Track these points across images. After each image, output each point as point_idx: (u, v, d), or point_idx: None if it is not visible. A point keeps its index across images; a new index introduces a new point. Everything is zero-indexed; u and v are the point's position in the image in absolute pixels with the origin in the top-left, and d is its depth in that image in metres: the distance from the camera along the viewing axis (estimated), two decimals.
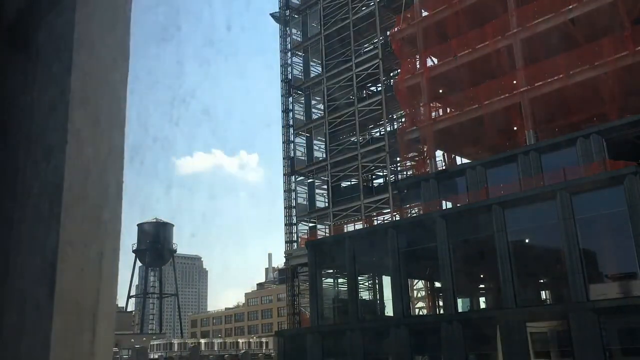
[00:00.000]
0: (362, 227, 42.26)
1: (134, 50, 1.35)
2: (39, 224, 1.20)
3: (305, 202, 52.40)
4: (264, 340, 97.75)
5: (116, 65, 1.28)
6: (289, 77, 55.49)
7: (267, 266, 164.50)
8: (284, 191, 53.51)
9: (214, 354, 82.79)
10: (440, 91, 39.75)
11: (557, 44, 31.60)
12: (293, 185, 53.12)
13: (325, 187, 50.92)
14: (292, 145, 53.75)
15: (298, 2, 56.56)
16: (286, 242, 51.98)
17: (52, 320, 1.10)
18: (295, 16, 56.53)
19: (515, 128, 35.13)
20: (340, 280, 42.48)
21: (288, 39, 57.07)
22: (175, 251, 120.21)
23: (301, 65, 55.28)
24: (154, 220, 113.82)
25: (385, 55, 46.36)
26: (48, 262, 1.14)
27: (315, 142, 52.82)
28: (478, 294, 40.57)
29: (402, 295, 33.14)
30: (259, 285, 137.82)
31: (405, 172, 48.96)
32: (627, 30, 29.88)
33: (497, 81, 34.92)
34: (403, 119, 46.37)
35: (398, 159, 47.19)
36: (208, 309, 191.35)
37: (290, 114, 54.64)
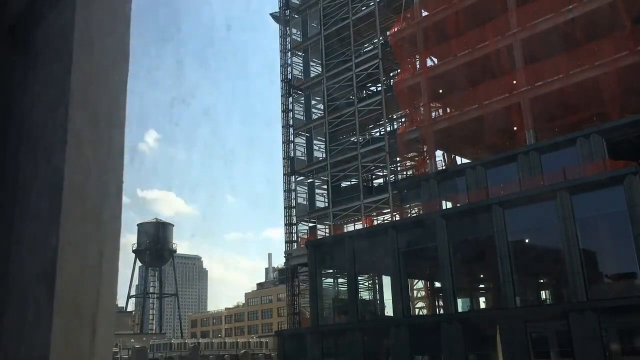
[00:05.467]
0: (362, 227, 42.29)
1: (134, 50, 1.35)
2: (39, 224, 1.20)
3: (305, 202, 52.37)
4: (264, 340, 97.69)
5: (116, 66, 1.28)
6: (289, 77, 55.46)
7: (267, 266, 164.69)
8: (284, 191, 53.50)
9: (214, 354, 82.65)
10: (440, 91, 39.73)
11: (557, 43, 31.61)
12: (293, 185, 53.11)
13: (325, 187, 50.89)
14: (292, 145, 53.73)
15: (298, 2, 56.50)
16: (286, 242, 51.94)
17: (52, 320, 1.10)
18: (295, 16, 56.49)
19: (515, 128, 35.13)
20: (340, 280, 42.49)
21: (288, 39, 57.03)
22: (175, 251, 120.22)
23: (301, 65, 55.24)
24: (154, 220, 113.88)
25: (385, 55, 46.33)
26: (48, 262, 1.14)
27: (315, 142, 52.78)
28: (478, 294, 40.59)
29: (402, 295, 33.16)
30: (259, 285, 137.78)
31: (405, 172, 48.97)
32: (627, 30, 29.89)
33: (497, 81, 34.91)
34: (403, 119, 46.38)
35: (398, 159, 47.18)
36: (208, 309, 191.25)
37: (290, 114, 54.62)
